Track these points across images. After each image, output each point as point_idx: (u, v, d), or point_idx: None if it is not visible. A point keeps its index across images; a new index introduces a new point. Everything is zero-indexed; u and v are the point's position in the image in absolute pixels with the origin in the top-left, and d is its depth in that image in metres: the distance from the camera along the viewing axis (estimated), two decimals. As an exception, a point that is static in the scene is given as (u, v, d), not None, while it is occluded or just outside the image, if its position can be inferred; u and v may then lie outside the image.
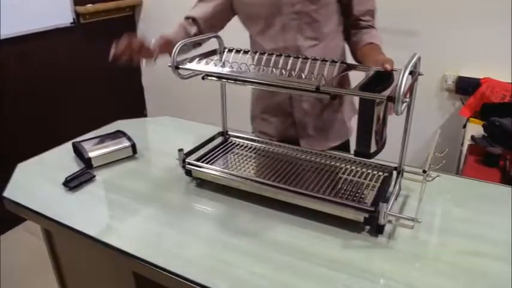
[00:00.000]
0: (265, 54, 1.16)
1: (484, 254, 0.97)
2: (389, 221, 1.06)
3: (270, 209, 1.14)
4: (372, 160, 1.22)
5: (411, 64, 0.91)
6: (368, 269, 0.93)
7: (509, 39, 2.02)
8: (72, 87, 2.91)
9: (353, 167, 1.25)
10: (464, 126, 2.05)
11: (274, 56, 1.15)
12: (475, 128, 1.91)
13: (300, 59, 1.10)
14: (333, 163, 1.27)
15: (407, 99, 0.91)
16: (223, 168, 1.24)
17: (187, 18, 1.47)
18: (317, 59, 1.10)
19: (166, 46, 1.27)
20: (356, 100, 0.96)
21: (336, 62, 1.07)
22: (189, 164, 1.25)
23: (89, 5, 2.86)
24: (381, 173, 1.21)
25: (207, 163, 1.27)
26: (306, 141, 1.50)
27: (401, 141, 1.10)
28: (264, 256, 0.98)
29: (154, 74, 3.34)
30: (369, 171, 1.23)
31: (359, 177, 1.20)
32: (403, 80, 0.86)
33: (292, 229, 1.07)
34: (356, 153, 1.02)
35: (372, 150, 1.00)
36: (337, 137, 1.54)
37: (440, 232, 1.04)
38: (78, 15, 2.82)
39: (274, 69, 1.07)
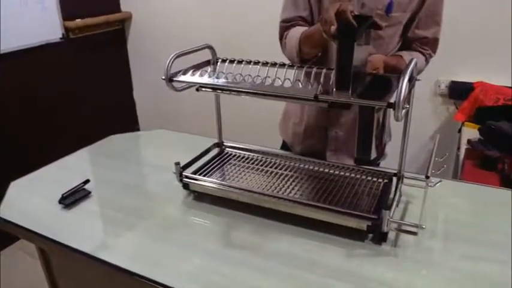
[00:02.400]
0: (260, 64, 1.15)
1: (488, 259, 0.96)
2: (392, 229, 1.05)
3: (270, 220, 1.12)
4: (370, 167, 1.22)
5: (409, 70, 0.90)
6: (373, 278, 0.91)
7: (502, 42, 2.03)
8: (63, 103, 2.88)
9: (352, 174, 1.23)
10: (460, 131, 2.05)
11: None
12: (471, 132, 1.91)
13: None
14: (331, 171, 1.26)
15: (407, 106, 0.90)
16: (220, 180, 1.22)
17: (285, 21, 1.37)
18: (312, 67, 1.09)
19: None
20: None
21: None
22: (186, 177, 1.23)
23: (78, 20, 2.84)
24: (380, 180, 1.20)
25: (204, 176, 1.25)
26: (333, 157, 1.45)
27: (400, 147, 1.09)
28: (266, 268, 0.96)
29: (145, 88, 3.33)
30: (369, 178, 1.21)
31: (359, 185, 1.18)
32: (403, 86, 0.85)
33: (294, 240, 1.05)
34: (356, 160, 1.01)
35: (372, 156, 0.99)
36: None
37: (444, 238, 1.03)
38: (67, 30, 2.80)
39: (269, 79, 1.05)
